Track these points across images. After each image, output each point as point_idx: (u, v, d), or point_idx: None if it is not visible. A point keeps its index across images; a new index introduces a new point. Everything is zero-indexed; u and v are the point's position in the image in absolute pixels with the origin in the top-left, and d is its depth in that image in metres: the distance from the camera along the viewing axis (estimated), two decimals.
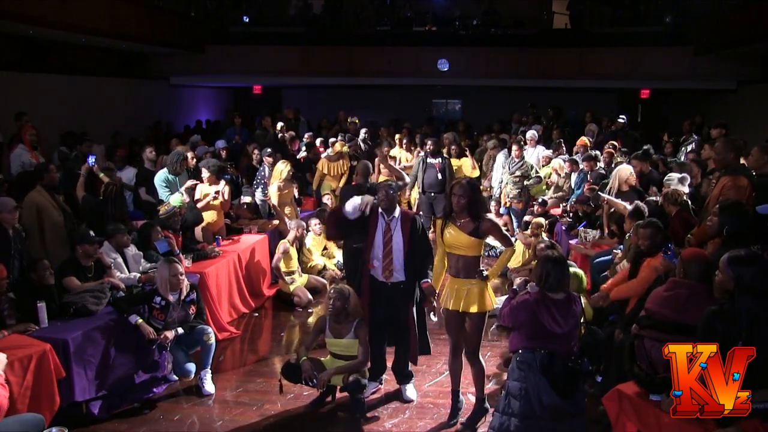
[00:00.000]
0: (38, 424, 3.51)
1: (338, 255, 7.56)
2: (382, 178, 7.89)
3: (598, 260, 5.98)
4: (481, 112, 15.18)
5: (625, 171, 6.60)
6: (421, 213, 9.08)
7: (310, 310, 6.74)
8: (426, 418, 4.42)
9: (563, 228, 7.63)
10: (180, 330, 4.70)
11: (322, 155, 9.56)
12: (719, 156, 4.89)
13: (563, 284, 3.47)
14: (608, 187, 6.73)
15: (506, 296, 6.37)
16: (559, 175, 8.77)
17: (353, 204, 4.39)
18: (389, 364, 4.83)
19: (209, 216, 6.79)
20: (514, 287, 3.97)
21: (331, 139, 10.03)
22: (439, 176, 8.57)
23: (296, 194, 8.04)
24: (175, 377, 4.92)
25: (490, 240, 8.38)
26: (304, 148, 10.29)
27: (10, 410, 3.69)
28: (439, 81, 14.69)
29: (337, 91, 16.26)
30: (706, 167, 6.53)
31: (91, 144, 8.49)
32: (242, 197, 8.11)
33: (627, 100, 16.83)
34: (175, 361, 4.73)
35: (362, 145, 10.29)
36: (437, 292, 4.34)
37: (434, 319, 4.57)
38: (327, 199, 8.35)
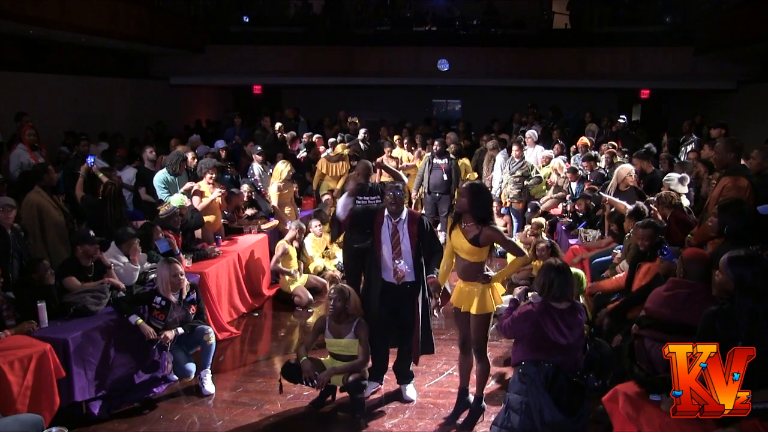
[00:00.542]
0: (37, 424, 3.51)
1: (338, 256, 7.56)
2: (382, 179, 7.89)
3: (597, 260, 5.98)
4: (481, 112, 15.17)
5: (624, 170, 6.60)
6: (424, 212, 9.10)
7: (310, 310, 6.74)
8: (426, 418, 4.42)
9: (563, 228, 7.63)
10: (180, 330, 4.70)
11: (322, 155, 9.57)
12: (719, 156, 4.90)
13: (567, 293, 3.37)
14: (609, 187, 6.74)
15: (508, 296, 6.43)
16: (559, 175, 8.77)
17: (341, 203, 4.47)
18: (390, 364, 4.84)
19: (209, 216, 6.79)
20: (515, 297, 3.93)
21: (331, 140, 10.04)
22: (445, 177, 8.60)
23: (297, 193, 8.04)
24: (175, 377, 4.92)
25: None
26: (303, 148, 10.29)
27: (10, 410, 3.70)
28: (439, 81, 14.69)
29: (337, 91, 16.26)
30: (712, 166, 6.53)
31: (89, 143, 8.50)
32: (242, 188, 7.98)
33: (626, 101, 16.86)
34: (175, 361, 4.72)
35: (362, 145, 10.30)
36: (443, 288, 4.34)
37: (436, 315, 4.55)
38: (326, 199, 8.34)
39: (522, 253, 4.12)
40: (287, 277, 6.90)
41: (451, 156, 9.07)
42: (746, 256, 3.09)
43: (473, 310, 4.07)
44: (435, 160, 8.85)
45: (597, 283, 5.30)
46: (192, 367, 4.76)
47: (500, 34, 14.99)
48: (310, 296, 6.84)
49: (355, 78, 14.39)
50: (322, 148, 10.32)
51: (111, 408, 4.50)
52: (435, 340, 5.50)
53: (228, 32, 14.97)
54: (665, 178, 6.09)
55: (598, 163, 8.48)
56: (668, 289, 3.61)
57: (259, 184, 8.28)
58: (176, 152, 7.22)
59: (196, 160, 7.60)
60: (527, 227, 7.71)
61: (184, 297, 4.78)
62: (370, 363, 4.61)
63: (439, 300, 4.32)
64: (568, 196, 8.24)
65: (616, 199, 6.33)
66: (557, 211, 8.30)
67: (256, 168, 8.36)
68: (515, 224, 8.91)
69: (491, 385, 4.91)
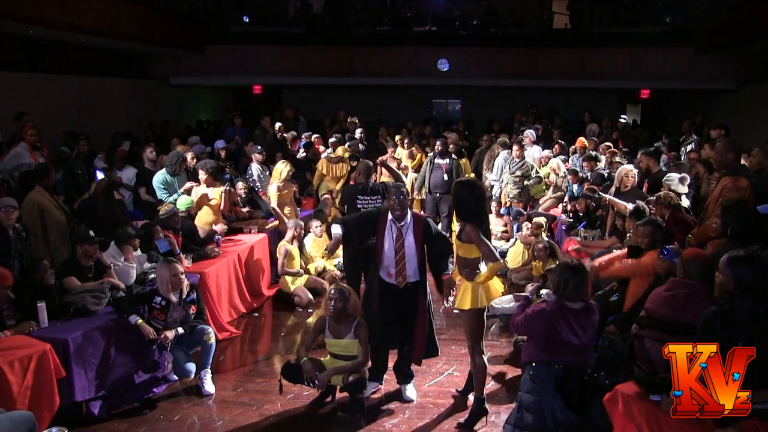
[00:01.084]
0: (29, 422, 3.51)
1: (339, 256, 7.55)
2: (383, 179, 7.89)
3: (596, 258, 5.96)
4: (481, 112, 15.18)
5: (623, 171, 6.60)
6: (425, 213, 9.10)
7: (309, 310, 6.74)
8: (426, 418, 4.42)
9: (563, 228, 7.63)
10: (180, 330, 4.70)
11: (323, 155, 9.57)
12: (719, 156, 4.89)
13: (582, 293, 3.34)
14: (612, 189, 6.73)
15: (508, 296, 6.43)
16: (557, 174, 8.78)
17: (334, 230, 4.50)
18: (390, 364, 4.85)
19: (209, 216, 6.79)
20: (527, 294, 3.93)
21: (331, 140, 10.04)
22: (446, 177, 8.61)
23: (296, 193, 8.04)
24: (175, 377, 4.92)
25: (498, 243, 8.44)
26: (302, 148, 10.29)
27: (10, 410, 3.69)
28: (439, 81, 14.69)
29: (337, 91, 16.27)
30: (711, 166, 6.53)
31: (88, 143, 8.50)
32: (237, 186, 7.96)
33: (623, 100, 16.88)
34: (175, 361, 4.72)
35: (360, 146, 10.29)
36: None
37: (447, 305, 4.46)
38: (325, 199, 8.34)
39: (495, 258, 4.01)
40: (289, 277, 6.90)
41: (453, 156, 9.08)
42: (746, 256, 3.09)
43: (456, 304, 4.16)
44: (436, 160, 8.87)
45: (608, 269, 4.82)
46: (192, 367, 4.76)
47: (500, 34, 14.99)
48: (311, 296, 6.84)
49: (355, 78, 14.38)
50: (321, 148, 10.32)
51: (111, 408, 4.50)
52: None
53: (228, 32, 14.97)
54: (665, 178, 6.09)
55: (598, 163, 8.48)
56: (668, 289, 3.61)
57: (257, 184, 8.27)
58: (175, 152, 7.22)
59: (195, 160, 7.60)
60: (524, 227, 7.69)
61: (184, 297, 4.78)
62: (369, 363, 4.61)
63: (453, 296, 4.26)
64: (566, 197, 8.24)
65: (616, 199, 6.33)
66: (557, 211, 8.30)
67: (255, 168, 8.35)
68: (515, 224, 8.91)
69: (491, 385, 4.91)
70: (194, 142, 9.44)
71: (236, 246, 6.72)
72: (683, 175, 6.11)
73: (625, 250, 4.86)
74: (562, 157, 9.43)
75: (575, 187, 8.10)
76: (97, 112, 11.42)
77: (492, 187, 9.36)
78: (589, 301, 3.46)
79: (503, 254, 8.18)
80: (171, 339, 4.61)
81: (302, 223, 7.28)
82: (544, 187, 8.99)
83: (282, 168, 7.57)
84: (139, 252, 5.47)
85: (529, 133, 9.92)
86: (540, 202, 8.81)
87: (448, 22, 15.67)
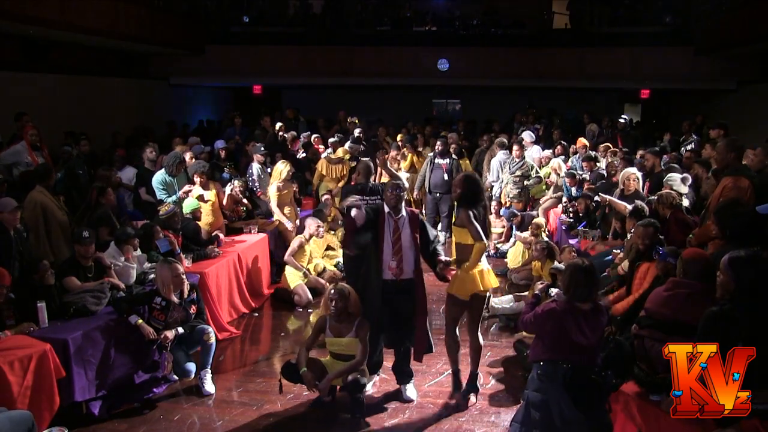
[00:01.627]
0: (27, 421, 3.51)
1: (339, 256, 7.56)
2: (384, 179, 7.90)
3: (597, 260, 5.97)
4: (481, 112, 15.18)
5: (626, 174, 6.60)
6: (424, 212, 9.12)
7: (309, 310, 6.74)
8: (426, 418, 4.41)
9: (563, 228, 7.63)
10: (180, 330, 4.70)
11: (323, 155, 9.57)
12: (720, 156, 4.88)
13: (593, 294, 3.35)
14: (616, 190, 6.72)
15: (508, 296, 6.43)
16: (558, 174, 8.78)
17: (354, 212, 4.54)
18: (389, 364, 4.84)
19: (207, 217, 6.79)
20: (537, 292, 3.95)
21: (331, 140, 10.04)
22: (446, 177, 8.62)
23: (296, 193, 8.04)
24: (176, 377, 4.92)
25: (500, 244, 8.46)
26: (302, 148, 10.29)
27: (10, 410, 3.69)
28: (439, 81, 14.68)
29: (337, 91, 16.26)
30: (710, 166, 6.53)
31: (89, 143, 8.49)
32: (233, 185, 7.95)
33: (624, 100, 16.87)
34: (176, 361, 4.73)
35: (361, 147, 10.30)
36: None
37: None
38: (325, 199, 8.34)
39: (480, 238, 4.29)
40: (290, 273, 6.91)
41: (453, 156, 9.09)
42: (747, 256, 3.09)
43: (448, 289, 4.51)
44: (437, 160, 8.88)
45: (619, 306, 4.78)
46: (192, 366, 4.75)
47: (500, 34, 14.98)
48: (310, 296, 6.84)
49: (355, 78, 14.38)
50: (321, 147, 10.32)
51: (111, 408, 4.50)
52: (435, 340, 5.52)
53: (228, 32, 14.97)
54: (667, 178, 6.09)
55: (597, 164, 8.49)
56: (668, 289, 3.61)
57: (257, 184, 8.27)
58: (173, 153, 7.21)
59: (194, 160, 7.59)
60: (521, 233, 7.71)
61: (184, 297, 4.79)
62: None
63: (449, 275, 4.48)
64: (564, 198, 8.24)
65: (616, 200, 6.33)
66: (557, 211, 8.31)
67: (255, 168, 8.35)
68: (510, 224, 8.91)
69: (491, 385, 4.92)
70: (194, 143, 9.44)
71: (236, 246, 6.72)
72: (685, 175, 6.12)
73: (623, 290, 4.84)
74: (563, 157, 9.43)
75: (573, 190, 8.08)
76: (97, 112, 11.41)
77: (492, 187, 9.36)
78: (598, 302, 3.46)
79: (503, 254, 8.20)
80: (171, 339, 4.61)
81: (320, 222, 7.29)
82: (544, 187, 9.00)
83: (282, 168, 7.57)
84: (139, 252, 5.47)
85: (527, 135, 9.92)
86: (540, 202, 8.82)
87: (448, 22, 15.67)
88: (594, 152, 9.06)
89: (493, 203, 9.16)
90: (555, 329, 3.29)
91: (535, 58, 13.90)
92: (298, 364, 4.42)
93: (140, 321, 4.57)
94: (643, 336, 3.58)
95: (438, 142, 9.03)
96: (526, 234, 7.62)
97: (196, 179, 6.82)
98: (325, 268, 7.47)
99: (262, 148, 8.58)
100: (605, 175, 7.96)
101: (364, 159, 6.63)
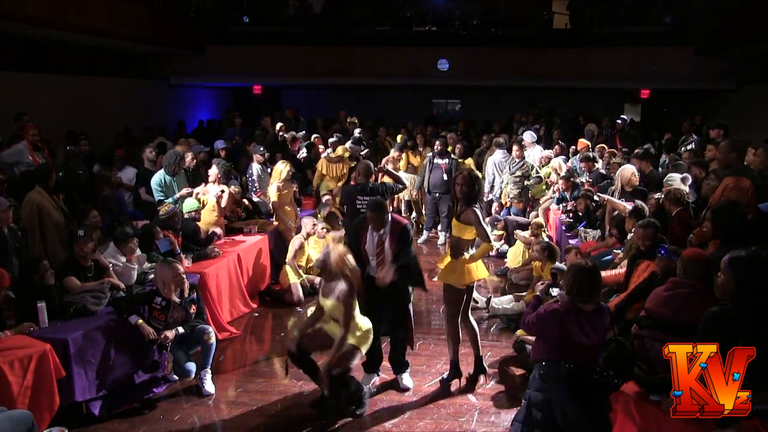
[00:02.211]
0: (27, 421, 3.51)
1: None
2: (386, 179, 7.90)
3: (597, 260, 5.97)
4: (481, 112, 15.19)
5: (628, 171, 6.60)
6: (424, 212, 9.12)
7: (299, 309, 6.74)
8: (426, 418, 4.42)
9: (563, 228, 7.63)
10: (181, 329, 4.70)
11: (322, 155, 9.57)
12: (722, 156, 4.87)
13: (596, 295, 3.34)
14: (612, 189, 6.72)
15: (508, 296, 6.43)
16: (559, 174, 8.78)
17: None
18: (388, 363, 4.85)
19: (209, 216, 6.79)
20: (537, 293, 3.95)
21: (331, 140, 10.04)
22: (445, 177, 8.61)
23: (297, 193, 8.05)
24: (176, 377, 4.92)
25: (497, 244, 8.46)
26: (304, 149, 10.29)
27: (10, 410, 3.69)
28: (439, 81, 14.69)
29: (337, 91, 16.27)
30: (707, 167, 6.54)
31: (89, 143, 8.48)
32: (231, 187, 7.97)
33: (624, 100, 16.87)
34: (176, 360, 4.73)
35: (361, 148, 10.30)
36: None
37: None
38: (326, 200, 8.34)
39: (488, 239, 4.52)
40: (290, 270, 6.92)
41: (452, 156, 9.10)
42: (747, 256, 3.09)
43: (439, 278, 4.73)
44: (436, 160, 8.89)
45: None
46: (192, 366, 4.75)
47: (500, 34, 14.98)
48: (302, 295, 6.86)
49: (355, 78, 14.38)
50: (321, 147, 10.32)
51: (111, 408, 4.50)
52: (435, 340, 5.55)
53: (228, 32, 14.98)
54: (667, 178, 6.08)
55: (595, 164, 8.49)
56: (668, 288, 3.61)
57: (257, 185, 8.27)
58: (173, 151, 7.15)
59: (195, 161, 7.59)
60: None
61: (185, 296, 4.79)
62: (364, 357, 4.55)
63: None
64: (554, 204, 8.25)
65: (615, 200, 6.33)
66: (557, 210, 8.30)
67: (255, 168, 8.35)
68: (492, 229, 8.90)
69: (492, 385, 4.92)
70: (193, 143, 9.44)
71: (236, 246, 6.72)
72: (685, 175, 6.11)
73: (623, 269, 4.85)
74: (563, 157, 9.43)
75: (567, 195, 8.04)
76: (97, 112, 11.41)
77: (492, 187, 9.35)
78: (601, 302, 3.45)
79: (503, 254, 8.20)
80: (171, 339, 4.61)
81: (317, 221, 7.31)
82: (544, 187, 8.99)
83: (282, 168, 7.57)
84: (139, 252, 5.46)
85: (528, 135, 9.92)
86: (540, 202, 8.81)
87: (448, 22, 15.67)
88: (592, 152, 9.05)
89: (494, 204, 9.15)
90: (557, 330, 3.28)
91: (535, 58, 13.90)
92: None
93: (140, 321, 4.57)
94: (643, 336, 3.58)
95: (437, 142, 9.04)
96: (527, 234, 7.61)
97: (213, 171, 6.98)
98: None
99: (262, 149, 8.58)
100: (605, 175, 7.97)
101: (363, 159, 6.65)
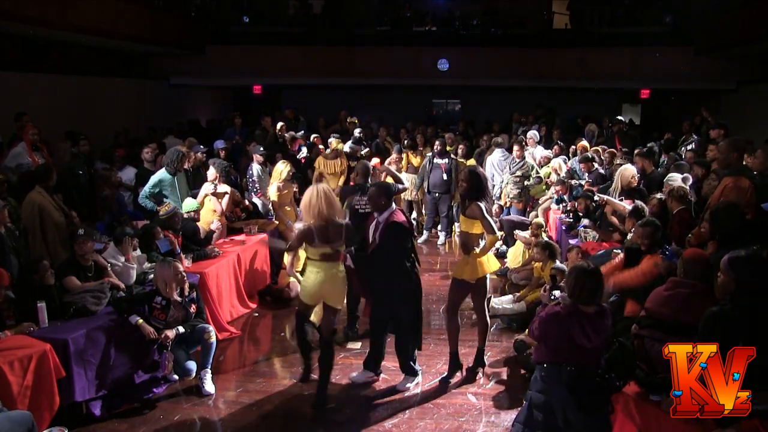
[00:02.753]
0: (27, 421, 3.51)
1: None
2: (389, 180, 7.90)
3: (597, 260, 5.95)
4: (481, 112, 15.18)
5: (628, 172, 6.59)
6: (424, 212, 9.10)
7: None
8: (426, 418, 4.42)
9: (563, 228, 7.62)
10: (181, 329, 4.71)
11: (322, 155, 9.57)
12: (722, 156, 4.86)
13: (597, 297, 3.32)
14: (611, 188, 6.72)
15: (508, 296, 6.43)
16: (559, 175, 8.77)
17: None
18: (389, 363, 4.85)
19: (209, 216, 6.79)
20: (542, 300, 3.95)
21: (330, 140, 10.03)
22: (445, 177, 8.61)
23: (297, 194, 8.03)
24: (176, 377, 4.92)
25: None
26: (304, 149, 10.28)
27: (10, 410, 3.69)
28: (439, 81, 14.68)
29: (337, 91, 16.26)
30: (709, 167, 6.54)
31: (89, 143, 8.48)
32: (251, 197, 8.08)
33: (622, 101, 16.88)
34: (176, 360, 4.73)
35: (362, 148, 10.30)
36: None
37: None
38: None
39: (492, 231, 4.66)
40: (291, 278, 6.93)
41: (452, 156, 9.10)
42: (747, 256, 3.10)
43: (455, 273, 4.88)
44: (436, 160, 8.89)
45: (616, 277, 4.67)
46: (193, 365, 4.77)
47: (500, 34, 14.99)
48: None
49: (355, 78, 14.38)
50: (321, 147, 10.31)
51: (111, 408, 4.50)
52: (435, 341, 5.55)
53: (228, 32, 14.97)
54: (667, 178, 6.08)
55: (594, 164, 8.48)
56: (668, 288, 3.61)
57: (257, 185, 8.27)
58: (175, 149, 7.12)
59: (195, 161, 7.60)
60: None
61: (185, 295, 4.80)
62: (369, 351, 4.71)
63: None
64: (554, 204, 8.25)
65: (615, 200, 6.33)
66: (557, 210, 8.30)
67: (255, 168, 8.35)
68: None
69: (492, 385, 4.92)
70: (194, 143, 9.43)
71: (236, 246, 6.72)
72: (686, 175, 6.11)
73: (621, 256, 4.84)
74: (564, 157, 9.43)
75: (565, 197, 8.04)
76: (97, 112, 11.41)
77: (493, 186, 9.34)
78: (602, 304, 3.44)
79: (503, 254, 8.20)
80: (172, 339, 4.61)
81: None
82: (544, 187, 8.99)
83: (282, 168, 7.56)
84: (138, 252, 5.47)
85: (533, 134, 9.92)
86: (540, 202, 8.81)
87: (448, 22, 15.66)
88: (590, 153, 9.04)
89: (495, 206, 9.13)
90: (559, 333, 3.27)
91: (535, 58, 13.90)
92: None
93: (140, 321, 4.57)
94: (643, 336, 3.58)
95: (437, 142, 9.04)
96: (527, 234, 7.61)
97: (212, 172, 6.98)
98: None
99: (262, 149, 8.57)
100: (605, 175, 7.96)
101: (362, 160, 6.65)
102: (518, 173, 8.78)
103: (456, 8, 16.24)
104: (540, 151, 9.70)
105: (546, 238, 7.05)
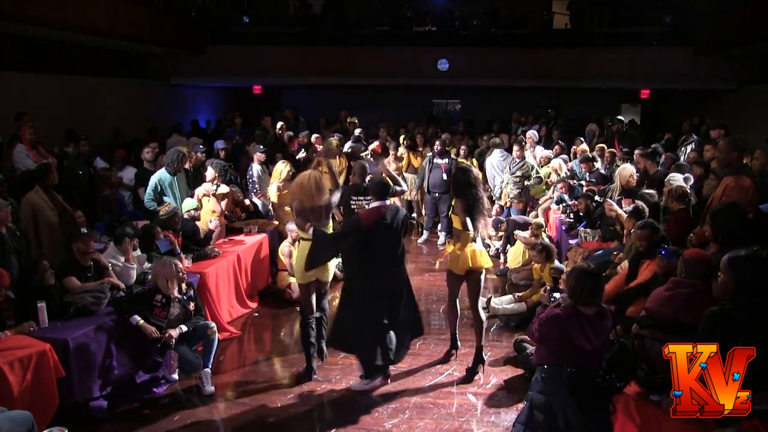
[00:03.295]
0: (27, 421, 3.51)
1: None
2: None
3: (596, 261, 5.94)
4: (481, 112, 15.18)
5: (626, 172, 6.59)
6: (423, 212, 9.10)
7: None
8: (426, 418, 4.42)
9: (563, 228, 7.63)
10: (184, 327, 4.73)
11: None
12: (722, 155, 4.85)
13: (597, 299, 3.31)
14: (611, 188, 6.71)
15: (508, 296, 6.43)
16: (560, 175, 8.78)
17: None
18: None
19: (208, 217, 6.78)
20: (545, 303, 3.94)
21: (330, 139, 10.03)
22: (445, 176, 8.61)
23: None
24: (175, 377, 4.91)
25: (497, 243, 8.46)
26: (303, 149, 10.28)
27: (10, 410, 3.69)
28: (439, 81, 14.68)
29: (337, 91, 16.26)
30: (708, 167, 6.54)
31: (88, 143, 8.49)
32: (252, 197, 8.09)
33: (622, 101, 16.88)
34: (181, 357, 4.74)
35: (360, 146, 10.30)
36: None
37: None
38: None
39: (466, 229, 4.88)
40: (286, 273, 6.93)
41: (452, 156, 9.09)
42: (747, 256, 3.10)
43: (447, 266, 5.14)
44: (436, 160, 8.89)
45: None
46: (198, 360, 4.79)
47: (500, 34, 14.97)
48: None
49: (355, 78, 14.37)
50: (320, 147, 10.31)
51: (111, 408, 4.50)
52: (435, 340, 5.55)
53: (228, 32, 14.96)
54: (668, 178, 6.07)
55: (595, 164, 8.49)
56: (669, 288, 3.61)
57: (257, 185, 8.27)
58: (175, 149, 7.12)
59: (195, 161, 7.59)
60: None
61: (184, 292, 4.81)
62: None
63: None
64: (554, 204, 8.25)
65: (616, 206, 6.30)
66: (557, 210, 8.30)
67: (255, 168, 8.35)
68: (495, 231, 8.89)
69: (491, 385, 4.92)
70: (194, 142, 9.44)
71: (236, 246, 6.72)
72: (686, 175, 6.10)
73: (626, 270, 4.83)
74: (564, 157, 9.43)
75: (566, 197, 8.04)
76: (97, 111, 11.41)
77: (494, 186, 9.34)
78: (602, 305, 3.44)
79: (498, 255, 8.23)
80: (175, 337, 4.62)
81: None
82: (544, 187, 8.99)
83: (282, 168, 7.56)
84: (138, 252, 5.47)
85: (532, 134, 9.92)
86: (540, 202, 8.81)
87: (448, 22, 15.66)
88: (595, 152, 9.05)
89: (495, 206, 9.13)
90: (558, 335, 3.26)
91: (535, 58, 13.89)
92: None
93: (141, 321, 4.57)
94: (643, 336, 3.58)
95: (437, 142, 9.04)
96: (527, 234, 7.61)
97: (210, 172, 7.00)
98: None
99: (261, 147, 8.57)
100: (605, 175, 7.96)
101: (360, 160, 6.65)
102: (518, 173, 8.77)
103: (456, 8, 16.23)
104: (540, 151, 9.71)
105: (546, 239, 7.05)
